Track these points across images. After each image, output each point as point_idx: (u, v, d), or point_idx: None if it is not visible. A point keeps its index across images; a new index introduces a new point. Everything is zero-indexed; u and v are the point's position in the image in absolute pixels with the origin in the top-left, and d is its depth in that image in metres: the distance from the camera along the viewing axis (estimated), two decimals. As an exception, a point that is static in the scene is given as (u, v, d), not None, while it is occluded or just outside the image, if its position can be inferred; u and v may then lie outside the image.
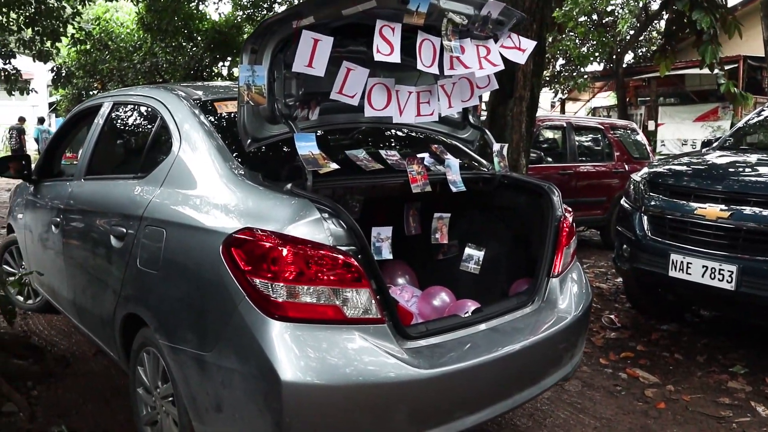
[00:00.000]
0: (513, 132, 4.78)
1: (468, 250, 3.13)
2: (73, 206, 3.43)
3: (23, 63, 18.06)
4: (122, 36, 20.68)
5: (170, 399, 2.42)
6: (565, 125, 7.97)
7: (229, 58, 21.44)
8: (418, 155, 2.84)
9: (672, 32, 5.69)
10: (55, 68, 18.06)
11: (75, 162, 4.26)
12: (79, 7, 18.04)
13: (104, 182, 3.29)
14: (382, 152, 2.88)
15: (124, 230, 2.69)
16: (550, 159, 7.87)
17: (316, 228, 2.05)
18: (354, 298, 2.06)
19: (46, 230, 3.76)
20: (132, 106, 3.46)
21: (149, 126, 3.09)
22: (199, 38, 20.34)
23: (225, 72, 22.22)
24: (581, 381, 3.81)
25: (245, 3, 19.51)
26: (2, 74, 16.87)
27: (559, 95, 22.28)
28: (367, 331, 2.07)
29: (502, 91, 4.90)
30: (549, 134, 8.62)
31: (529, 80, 4.77)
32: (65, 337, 4.29)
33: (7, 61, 16.73)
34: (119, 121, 3.61)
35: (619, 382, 3.84)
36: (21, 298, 4.68)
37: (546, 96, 24.14)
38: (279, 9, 20.38)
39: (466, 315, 2.59)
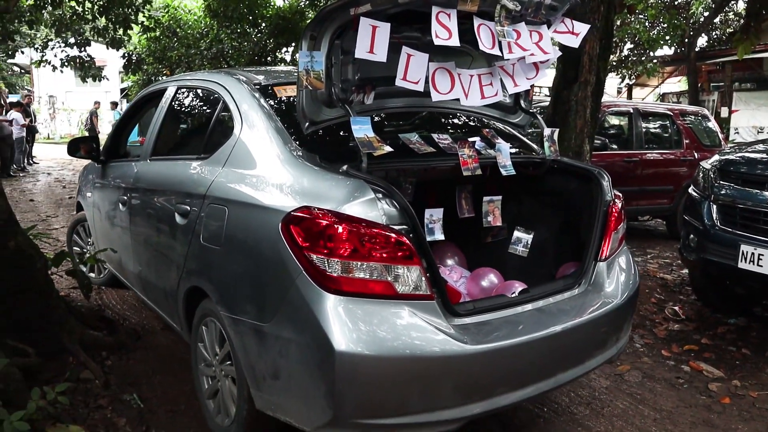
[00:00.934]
0: (577, 117, 4.68)
1: (517, 233, 3.19)
2: (139, 185, 3.59)
3: (96, 50, 18.83)
4: (190, 23, 21.20)
5: (229, 363, 2.56)
6: (631, 111, 7.73)
7: (293, 44, 21.71)
8: (469, 139, 2.90)
9: (756, 11, 5.41)
10: (126, 55, 18.72)
11: (140, 144, 4.46)
12: (150, -5, 18.66)
13: (169, 163, 3.43)
14: (434, 136, 2.93)
15: (188, 208, 2.83)
16: (615, 146, 7.66)
17: (370, 207, 2.12)
18: (405, 275, 2.13)
19: (114, 208, 3.94)
20: (195, 90, 3.59)
21: (211, 109, 3.21)
22: (263, 24, 20.65)
23: (288, 57, 22.53)
24: (641, 372, 3.74)
25: (309, -11, 19.67)
26: (77, 61, 17.64)
27: (627, 81, 21.57)
28: (417, 307, 2.15)
29: (566, 75, 4.83)
30: (614, 120, 8.39)
31: (595, 64, 4.65)
32: (135, 312, 4.49)
33: (82, 49, 17.45)
34: (183, 104, 3.74)
35: (681, 374, 3.75)
36: (91, 273, 4.96)
37: (612, 81, 23.43)
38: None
39: (513, 295, 2.63)
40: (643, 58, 19.27)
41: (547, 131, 3.15)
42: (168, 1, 22.99)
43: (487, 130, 3.19)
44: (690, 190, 4.67)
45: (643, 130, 7.72)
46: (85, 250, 4.98)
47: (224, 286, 2.54)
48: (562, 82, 4.91)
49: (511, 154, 2.99)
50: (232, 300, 2.46)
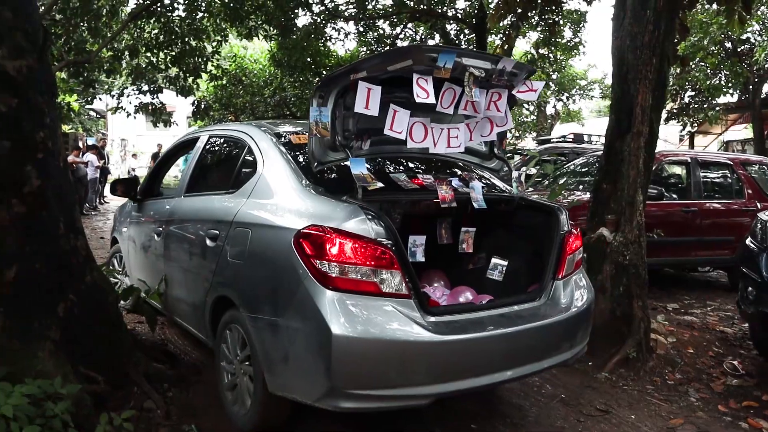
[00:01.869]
0: (630, 168, 4.70)
1: (494, 261, 3.77)
2: (174, 217, 4.19)
3: (167, 97, 19.87)
4: (255, 72, 22.15)
5: (247, 363, 3.15)
6: (689, 160, 7.64)
7: (352, 92, 22.34)
8: (448, 179, 3.57)
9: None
10: (195, 102, 19.63)
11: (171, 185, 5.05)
12: (218, 47, 19.66)
13: (202, 198, 4.05)
14: (420, 176, 3.62)
15: (217, 232, 3.47)
16: (674, 195, 7.58)
17: (362, 225, 2.75)
18: (388, 278, 2.74)
19: (149, 239, 4.54)
20: (225, 138, 4.28)
21: (238, 153, 3.86)
22: (325, 73, 21.39)
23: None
24: (696, 426, 3.67)
25: (369, 40, 20.30)
26: (150, 107, 18.65)
27: (688, 128, 21.17)
28: (397, 303, 2.75)
29: (620, 125, 4.88)
30: (672, 170, 8.30)
31: (648, 115, 4.68)
32: (196, 348, 4.69)
33: (155, 96, 18.47)
34: (214, 149, 4.43)
35: (738, 431, 3.65)
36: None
37: (674, 129, 23.04)
38: (400, 44, 21.08)
39: (480, 303, 3.29)
40: (704, 106, 18.95)
41: (515, 174, 3.89)
42: (235, 50, 24.14)
43: (467, 172, 3.84)
44: (747, 241, 4.60)
45: (702, 179, 7.61)
46: (116, 279, 5.36)
47: (246, 292, 3.16)
48: (615, 133, 4.95)
49: (484, 192, 3.61)
50: (253, 302, 3.08)
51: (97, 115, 35.54)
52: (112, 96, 21.01)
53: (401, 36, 20.42)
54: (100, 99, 22.94)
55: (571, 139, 11.39)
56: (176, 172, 5.94)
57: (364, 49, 20.96)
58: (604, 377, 4.29)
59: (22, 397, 2.56)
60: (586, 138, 11.58)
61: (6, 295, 2.98)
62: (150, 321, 4.22)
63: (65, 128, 24.80)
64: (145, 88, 19.38)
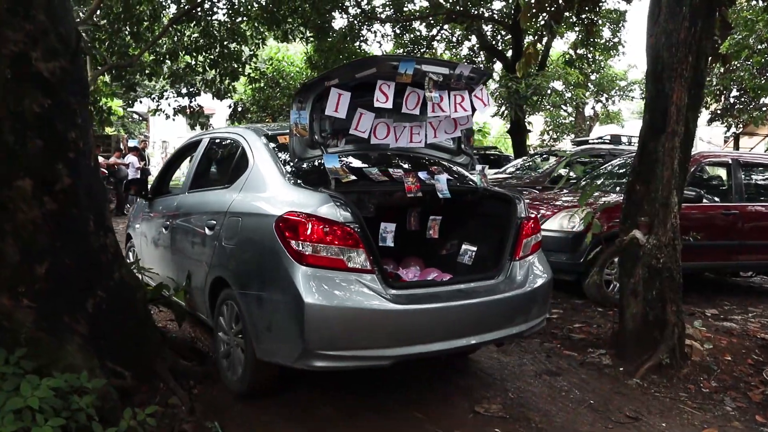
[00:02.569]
0: (664, 168, 4.57)
1: (464, 247, 4.17)
2: (179, 212, 4.67)
3: (206, 100, 20.20)
4: (292, 74, 22.35)
5: (240, 336, 3.58)
6: (730, 162, 7.41)
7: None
8: (414, 171, 3.93)
9: None
10: (232, 104, 19.90)
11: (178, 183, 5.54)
12: (255, 50, 19.91)
13: (203, 192, 4.54)
14: (390, 170, 4.01)
15: (214, 222, 3.93)
16: (715, 198, 7.36)
17: (331, 211, 3.20)
18: (354, 256, 3.18)
19: (158, 232, 5.03)
20: (223, 140, 4.78)
21: (233, 152, 4.36)
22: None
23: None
24: (731, 436, 3.54)
25: (405, 41, 20.29)
26: (188, 110, 18.99)
27: (733, 129, 20.58)
28: (362, 277, 3.19)
29: (654, 125, 4.75)
30: (713, 171, 8.07)
31: (683, 114, 4.55)
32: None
33: (193, 99, 18.80)
34: (213, 150, 4.92)
35: (776, 442, 3.52)
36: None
37: (718, 131, 22.43)
38: (438, 46, 21.01)
39: (441, 280, 3.77)
40: (750, 106, 18.39)
41: (478, 167, 4.28)
42: (272, 54, 24.41)
43: (435, 167, 4.18)
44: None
45: (745, 181, 7.37)
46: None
47: (237, 272, 3.63)
48: (648, 133, 4.83)
49: (452, 184, 4.01)
50: (242, 280, 3.53)
51: (140, 118, 36.35)
52: (152, 99, 21.53)
53: (437, 38, 20.37)
54: (140, 102, 23.44)
55: (608, 140, 11.17)
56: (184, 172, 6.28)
57: (401, 50, 20.95)
58: (635, 383, 4.18)
59: (48, 390, 2.61)
60: (624, 139, 11.33)
61: (37, 290, 3.06)
62: (178, 317, 4.28)
63: (108, 131, 25.45)
64: (184, 91, 19.77)
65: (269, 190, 3.67)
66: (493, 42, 18.53)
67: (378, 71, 3.54)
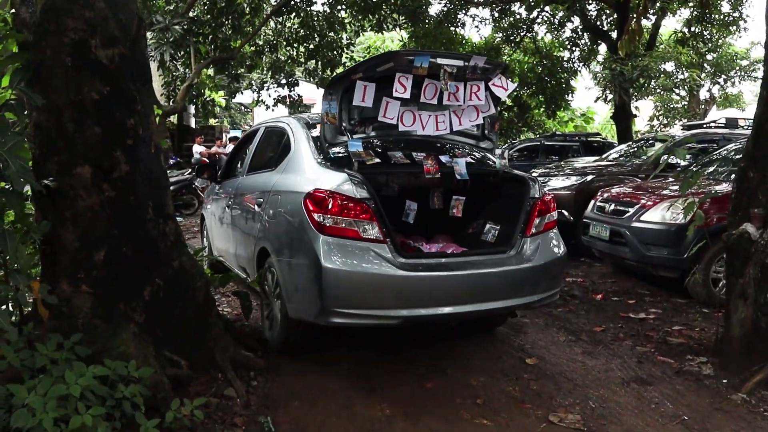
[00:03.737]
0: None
1: (488, 225, 4.55)
2: (237, 192, 5.22)
3: (306, 90, 20.54)
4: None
5: (278, 299, 4.07)
6: None
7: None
8: (435, 155, 4.30)
9: None
10: (332, 93, 19.97)
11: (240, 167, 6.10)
12: (354, 38, 19.97)
13: (255, 175, 5.04)
14: (414, 153, 4.36)
15: (262, 200, 4.44)
16: None
17: (349, 188, 3.61)
18: (368, 228, 3.58)
19: (223, 211, 5.61)
20: (273, 128, 5.21)
21: (280, 139, 4.85)
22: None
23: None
24: None
25: (504, 25, 19.64)
26: (287, 100, 19.37)
27: None
28: (374, 246, 3.57)
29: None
30: None
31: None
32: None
33: (292, 89, 19.16)
34: (266, 137, 5.41)
35: None
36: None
37: None
38: (538, 29, 20.20)
39: (452, 252, 4.18)
40: None
41: (498, 151, 4.75)
42: (371, 42, 24.44)
43: (458, 150, 4.66)
44: None
45: None
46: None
47: (275, 242, 4.11)
48: (766, 113, 4.25)
49: (472, 166, 4.40)
50: (279, 249, 4.03)
51: (245, 109, 37.72)
52: (253, 90, 22.15)
53: (538, 20, 19.56)
54: (242, 93, 24.20)
55: (723, 124, 10.20)
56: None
57: (500, 35, 20.33)
58: (741, 399, 3.67)
59: (92, 379, 2.59)
60: (742, 123, 10.31)
61: (95, 277, 3.07)
62: (244, 308, 4.23)
63: (212, 121, 26.53)
64: (283, 81, 20.19)
65: (304, 171, 4.14)
66: (597, 23, 17.53)
67: (395, 65, 3.96)
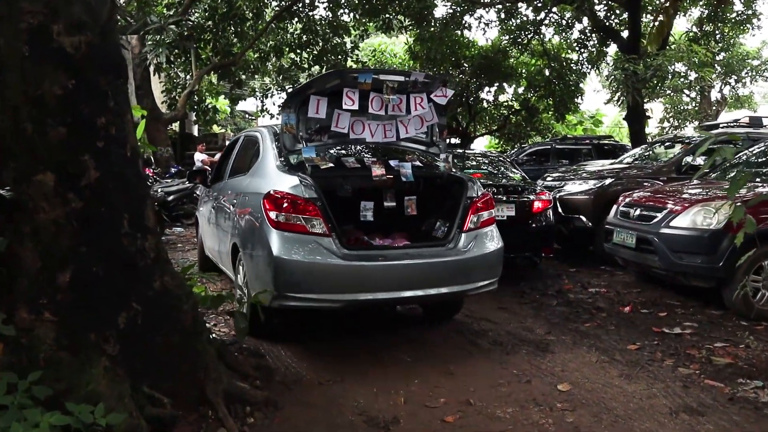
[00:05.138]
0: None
1: (438, 223, 4.98)
2: (220, 195, 5.81)
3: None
4: (394, 66, 21.83)
5: (246, 286, 4.51)
6: None
7: (496, 84, 21.31)
8: (383, 160, 4.81)
9: None
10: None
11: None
12: (358, 41, 19.58)
13: (233, 179, 5.64)
14: (365, 158, 4.98)
15: (235, 201, 5.00)
16: None
17: (299, 190, 4.10)
18: (315, 223, 4.03)
19: (209, 212, 6.21)
20: (251, 137, 5.76)
21: (253, 147, 5.40)
22: (465, 65, 20.56)
23: (491, 98, 22.17)
24: None
25: (511, 27, 19.20)
26: (290, 106, 18.91)
27: None
28: (320, 240, 4.02)
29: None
30: None
31: None
32: (300, 360, 4.22)
33: (296, 95, 18.69)
34: (245, 145, 5.96)
35: None
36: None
37: None
38: (546, 31, 19.75)
39: (394, 245, 4.65)
40: None
41: (443, 155, 5.19)
42: (376, 45, 24.05)
43: (409, 155, 5.09)
44: None
45: None
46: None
47: (242, 237, 4.60)
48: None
49: (420, 169, 4.92)
50: (244, 243, 4.53)
51: (249, 117, 37.40)
52: (256, 98, 21.81)
53: (546, 22, 19.11)
54: (245, 100, 23.86)
55: (746, 123, 9.71)
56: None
57: (506, 37, 19.89)
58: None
59: (50, 431, 2.13)
60: (766, 122, 9.82)
61: (59, 302, 2.62)
62: (238, 331, 3.77)
63: (215, 129, 26.14)
64: (288, 87, 19.81)
65: (266, 174, 4.68)
66: (606, 23, 17.06)
67: (342, 82, 4.53)
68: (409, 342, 4.70)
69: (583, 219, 8.19)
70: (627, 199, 6.77)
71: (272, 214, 4.08)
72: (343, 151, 5.18)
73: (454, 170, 5.17)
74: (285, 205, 4.07)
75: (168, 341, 2.94)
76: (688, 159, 8.34)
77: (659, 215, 5.99)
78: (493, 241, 4.65)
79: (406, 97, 4.69)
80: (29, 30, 2.59)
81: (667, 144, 10.12)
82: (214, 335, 4.15)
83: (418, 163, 4.97)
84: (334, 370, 4.02)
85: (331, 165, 4.60)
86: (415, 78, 4.62)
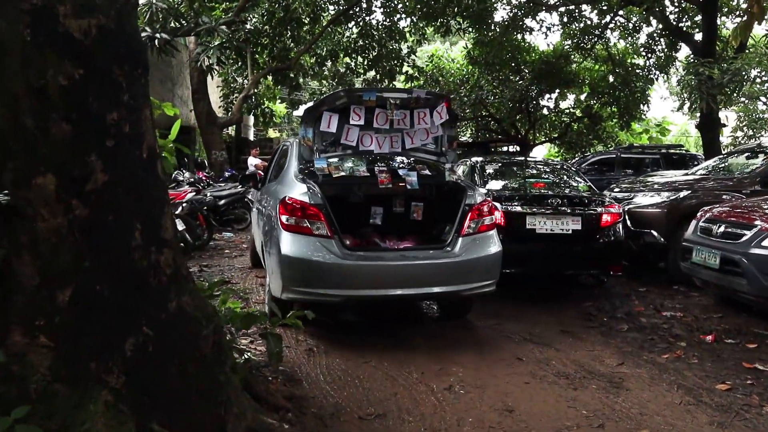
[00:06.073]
0: None
1: (447, 227, 5.20)
2: (261, 198, 6.41)
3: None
4: (452, 71, 21.33)
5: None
6: None
7: (557, 90, 20.54)
8: (390, 169, 5.43)
9: None
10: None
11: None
12: (416, 46, 19.19)
13: (270, 184, 6.13)
14: (375, 167, 5.47)
15: (266, 204, 5.63)
16: None
17: (305, 197, 4.67)
18: (318, 226, 4.59)
19: (256, 214, 6.73)
20: (286, 146, 6.23)
21: (285, 156, 5.89)
22: (525, 71, 19.88)
23: (552, 105, 21.39)
24: None
25: (574, 31, 18.41)
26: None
27: None
28: (322, 240, 4.58)
29: None
30: None
31: None
32: (340, 387, 3.80)
33: (352, 100, 18.45)
34: (282, 153, 6.38)
35: None
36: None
37: None
38: (611, 35, 18.86)
39: (394, 246, 5.25)
40: None
41: (447, 165, 5.60)
42: (433, 51, 23.60)
43: (420, 165, 5.55)
44: None
45: None
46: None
47: (265, 237, 5.29)
48: None
49: (428, 178, 5.45)
50: (265, 241, 5.25)
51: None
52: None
53: (611, 25, 18.24)
54: (305, 104, 23.78)
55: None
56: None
57: (569, 42, 19.11)
58: None
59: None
60: None
61: (58, 324, 2.27)
62: (271, 356, 3.37)
63: (270, 133, 26.18)
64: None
65: (287, 182, 5.17)
66: (679, 25, 16.10)
67: (349, 100, 5.14)
68: (462, 367, 4.23)
69: (655, 234, 7.51)
70: (708, 214, 6.10)
71: (284, 218, 4.64)
72: (359, 161, 5.66)
73: (457, 178, 5.56)
74: (294, 209, 4.61)
75: (183, 371, 2.55)
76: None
77: (748, 233, 5.32)
78: (490, 246, 4.97)
79: (410, 112, 5.34)
80: (32, 11, 2.25)
81: (749, 154, 9.27)
82: (247, 356, 3.78)
83: (427, 171, 5.46)
84: (376, 401, 3.60)
85: (343, 174, 5.28)
86: (417, 95, 5.29)
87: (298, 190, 4.74)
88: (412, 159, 5.70)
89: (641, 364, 4.40)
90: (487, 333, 5.17)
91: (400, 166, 5.57)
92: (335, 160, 5.42)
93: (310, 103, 5.32)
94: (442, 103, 5.31)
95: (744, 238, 5.32)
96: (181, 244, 7.15)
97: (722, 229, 5.68)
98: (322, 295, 4.52)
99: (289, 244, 4.52)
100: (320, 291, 4.50)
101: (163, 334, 2.49)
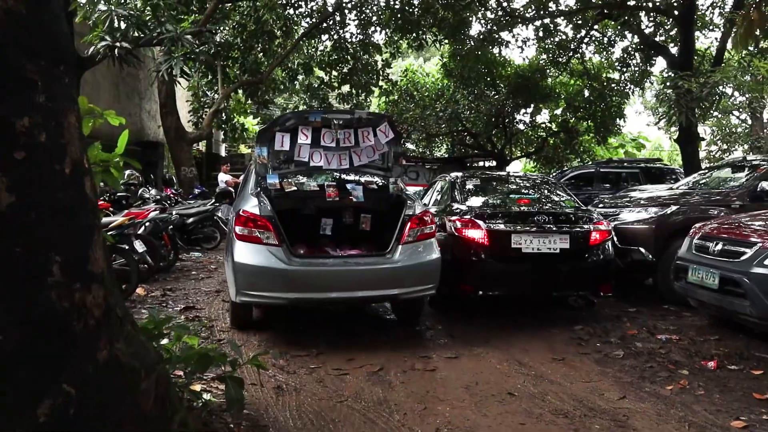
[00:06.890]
0: None
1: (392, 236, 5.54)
2: (231, 213, 6.50)
3: (338, 115, 19.42)
4: (426, 86, 21.07)
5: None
6: None
7: (533, 105, 20.39)
8: (338, 184, 6.06)
9: None
10: (364, 119, 18.90)
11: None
12: (391, 60, 18.88)
13: (237, 199, 6.63)
14: (324, 182, 6.10)
15: (231, 218, 6.01)
16: None
17: (255, 210, 5.20)
18: (267, 235, 5.07)
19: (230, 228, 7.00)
20: (250, 164, 6.49)
21: (248, 173, 6.55)
22: (501, 85, 19.70)
23: (528, 119, 21.23)
24: None
25: (550, 45, 18.27)
26: (319, 126, 18.25)
27: None
28: (271, 248, 5.04)
29: None
30: None
31: None
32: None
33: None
34: (248, 170, 6.66)
35: None
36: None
37: None
38: (586, 49, 18.78)
39: (340, 253, 5.73)
40: None
41: (392, 179, 6.25)
42: (407, 65, 23.35)
43: (366, 179, 6.23)
44: None
45: None
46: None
47: (226, 248, 5.85)
48: None
49: (374, 191, 6.15)
50: (225, 251, 5.83)
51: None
52: (284, 116, 21.26)
53: (585, 40, 18.14)
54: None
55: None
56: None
57: (544, 56, 18.97)
58: None
59: None
60: None
61: (-52, 388, 1.78)
62: (232, 401, 2.89)
63: (242, 148, 25.60)
64: (316, 106, 19.19)
65: (244, 197, 5.68)
66: (654, 38, 16.03)
67: (297, 121, 5.81)
68: (448, 406, 3.79)
69: (643, 251, 7.18)
70: (702, 231, 5.77)
71: (238, 229, 5.12)
72: (314, 177, 6.20)
73: (399, 191, 6.05)
74: (247, 221, 5.08)
75: (115, 435, 2.07)
76: (765, 184, 7.28)
77: (749, 251, 4.99)
78: (429, 253, 5.36)
79: (354, 131, 5.90)
80: None
81: (736, 167, 9.03)
82: (206, 397, 3.30)
83: (374, 186, 6.10)
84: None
85: (294, 188, 5.88)
86: (359, 116, 5.95)
87: (250, 204, 5.26)
88: (359, 175, 6.24)
89: (644, 397, 4.01)
90: (474, 364, 4.74)
91: (348, 181, 6.09)
92: (295, 176, 6.05)
93: (264, 125, 5.90)
94: (384, 122, 5.91)
95: (745, 257, 4.98)
96: (129, 276, 6.69)
97: (720, 246, 5.34)
98: (270, 298, 5.05)
99: (241, 252, 5.01)
100: (269, 294, 5.01)
101: (90, 391, 2.00)
